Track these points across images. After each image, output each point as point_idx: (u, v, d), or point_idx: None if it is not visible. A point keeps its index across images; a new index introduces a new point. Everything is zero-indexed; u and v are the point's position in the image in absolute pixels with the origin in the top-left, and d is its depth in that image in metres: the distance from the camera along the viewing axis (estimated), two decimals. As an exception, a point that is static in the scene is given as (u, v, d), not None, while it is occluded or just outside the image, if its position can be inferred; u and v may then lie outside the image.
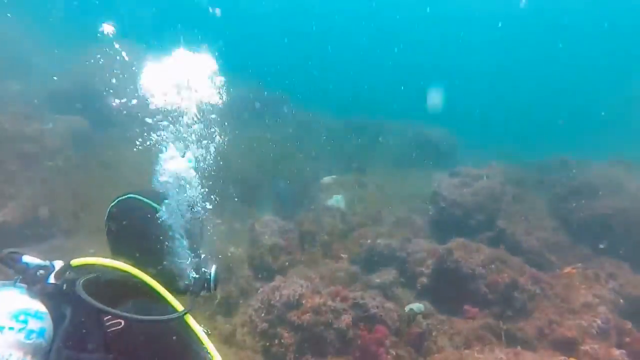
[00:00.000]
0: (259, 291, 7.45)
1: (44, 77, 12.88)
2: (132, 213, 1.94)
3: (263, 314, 7.03)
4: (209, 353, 1.72)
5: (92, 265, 1.77)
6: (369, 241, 9.85)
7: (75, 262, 1.77)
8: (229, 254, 9.18)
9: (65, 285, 1.68)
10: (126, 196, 1.97)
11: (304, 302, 6.67)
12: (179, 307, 1.74)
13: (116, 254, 1.90)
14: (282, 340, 6.40)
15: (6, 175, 8.88)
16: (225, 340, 6.17)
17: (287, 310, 6.68)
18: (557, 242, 8.40)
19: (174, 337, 1.66)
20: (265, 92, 16.02)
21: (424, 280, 8.33)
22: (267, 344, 6.60)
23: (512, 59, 35.58)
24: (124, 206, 1.96)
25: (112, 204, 1.95)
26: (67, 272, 1.75)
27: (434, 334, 6.84)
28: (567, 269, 6.68)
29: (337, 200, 10.66)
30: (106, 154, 11.53)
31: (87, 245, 8.50)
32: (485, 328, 6.67)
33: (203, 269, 2.10)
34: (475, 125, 22.72)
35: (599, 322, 5.45)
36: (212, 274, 2.10)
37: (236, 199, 10.78)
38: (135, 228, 1.93)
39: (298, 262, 9.45)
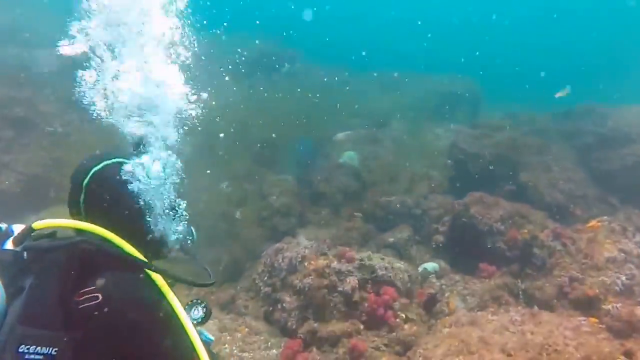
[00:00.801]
0: (262, 254, 7.23)
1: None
2: (117, 177, 1.69)
3: (266, 278, 6.84)
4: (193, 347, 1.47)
5: (59, 227, 1.57)
6: (382, 199, 9.42)
7: (39, 224, 1.54)
8: (237, 216, 8.98)
9: (25, 253, 1.47)
10: (112, 161, 1.72)
11: (306, 264, 6.39)
12: (162, 282, 1.51)
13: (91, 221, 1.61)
14: (284, 305, 6.19)
15: (1, 143, 8.83)
16: (223, 307, 5.99)
17: (290, 274, 6.44)
18: (584, 194, 7.69)
19: (160, 319, 1.45)
20: (277, 49, 15.34)
21: (440, 238, 7.90)
22: (270, 308, 6.43)
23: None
24: (111, 169, 1.70)
25: (98, 166, 1.68)
26: (29, 237, 1.53)
27: (447, 295, 6.46)
28: (592, 222, 6.06)
29: (349, 156, 10.18)
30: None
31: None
32: (502, 287, 6.24)
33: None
34: (500, 75, 21.25)
35: (623, 278, 4.90)
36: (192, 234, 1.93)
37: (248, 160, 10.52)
38: (124, 195, 1.69)
39: (309, 222, 9.18)
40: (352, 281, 6.17)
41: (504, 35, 30.30)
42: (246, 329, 5.89)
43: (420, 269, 7.35)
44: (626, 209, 7.68)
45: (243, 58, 14.78)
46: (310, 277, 6.20)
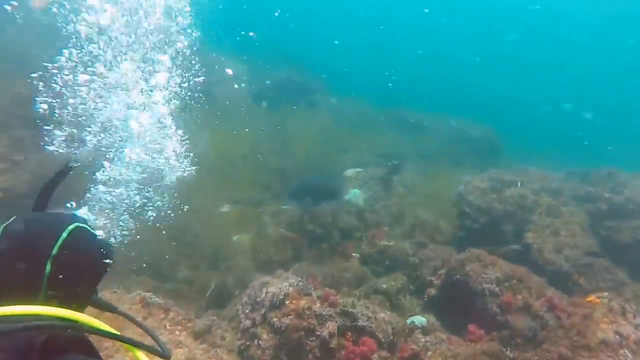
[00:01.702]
0: (249, 285, 7.09)
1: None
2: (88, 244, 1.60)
3: (248, 310, 6.67)
4: None
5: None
6: (383, 242, 9.20)
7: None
8: (233, 241, 8.91)
9: None
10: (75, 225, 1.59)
11: (287, 302, 6.21)
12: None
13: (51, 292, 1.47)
14: (260, 342, 5.99)
15: (15, 141, 9.07)
16: (197, 336, 5.85)
17: (271, 310, 6.26)
18: (591, 263, 7.29)
19: None
20: (299, 78, 15.55)
21: (433, 291, 7.60)
22: (247, 343, 6.24)
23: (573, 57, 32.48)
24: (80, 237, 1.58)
25: (64, 235, 1.52)
26: None
27: (429, 354, 6.13)
28: (591, 297, 5.69)
29: (354, 194, 10.05)
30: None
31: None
32: (487, 354, 5.88)
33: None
34: (523, 127, 20.88)
35: (615, 367, 4.53)
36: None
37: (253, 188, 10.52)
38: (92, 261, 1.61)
39: (305, 257, 9.02)
40: (331, 326, 5.95)
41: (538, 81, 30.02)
42: (216, 363, 5.71)
43: (408, 321, 7.04)
44: (635, 285, 7.23)
45: (267, 82, 15.11)
46: (289, 317, 6.01)
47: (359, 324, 6.09)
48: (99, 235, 1.70)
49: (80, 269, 1.54)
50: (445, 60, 30.47)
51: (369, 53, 30.29)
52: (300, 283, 6.72)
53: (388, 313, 6.67)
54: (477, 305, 6.57)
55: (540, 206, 8.41)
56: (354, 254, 9.16)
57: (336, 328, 5.98)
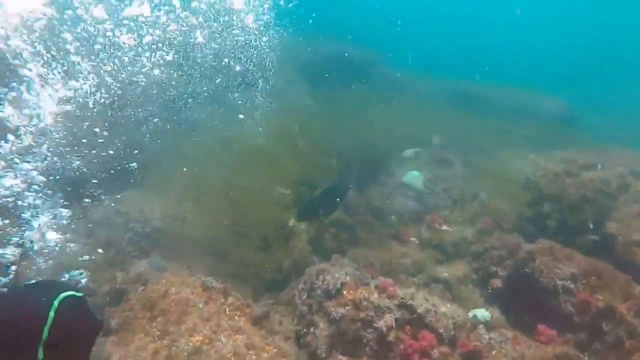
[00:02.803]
0: (305, 272, 6.96)
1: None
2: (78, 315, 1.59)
3: (305, 297, 6.57)
4: None
5: None
6: (443, 227, 8.72)
7: None
8: (290, 224, 8.82)
9: None
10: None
11: (345, 292, 6.01)
12: None
13: None
14: (316, 331, 5.88)
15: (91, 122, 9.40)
16: (255, 322, 5.82)
17: (327, 299, 6.10)
18: (687, 261, 6.39)
19: None
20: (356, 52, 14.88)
21: (498, 283, 7.08)
22: (304, 330, 6.15)
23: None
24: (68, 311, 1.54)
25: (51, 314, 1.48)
26: None
27: (493, 352, 5.73)
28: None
29: (413, 176, 9.55)
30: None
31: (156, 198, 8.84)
32: (560, 358, 5.37)
33: None
34: (605, 100, 18.82)
35: None
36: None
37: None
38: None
39: (361, 241, 8.76)
40: (389, 319, 5.70)
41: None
42: (274, 350, 5.67)
43: (470, 314, 6.62)
44: None
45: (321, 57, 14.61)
46: (346, 308, 5.83)
47: (419, 316, 5.80)
48: (85, 295, 1.62)
49: (74, 341, 1.47)
50: (513, 27, 28.07)
51: (428, 22, 28.60)
52: (358, 272, 6.50)
53: (449, 306, 6.29)
54: (548, 303, 6.01)
55: (627, 191, 7.49)
56: (412, 239, 8.77)
57: (394, 321, 5.73)
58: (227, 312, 5.60)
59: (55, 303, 1.47)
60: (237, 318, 5.56)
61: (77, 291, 1.63)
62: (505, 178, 10.02)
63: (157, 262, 7.35)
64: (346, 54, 15.68)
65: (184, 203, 8.75)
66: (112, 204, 8.79)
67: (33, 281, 1.78)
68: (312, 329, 5.99)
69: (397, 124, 12.75)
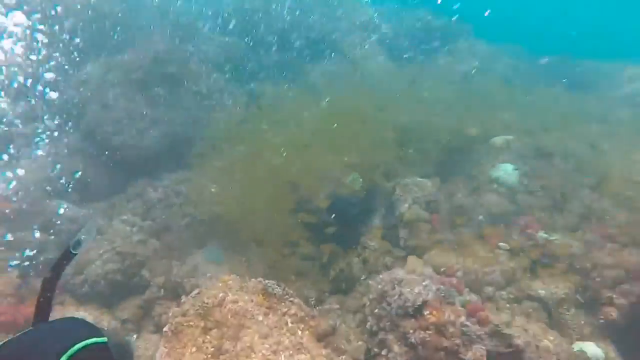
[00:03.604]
0: (378, 279, 6.30)
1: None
2: None
3: (376, 309, 5.93)
4: None
5: None
6: (540, 234, 7.64)
7: None
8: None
9: None
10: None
11: (426, 313, 5.29)
12: None
13: None
14: (389, 355, 5.24)
15: (151, 99, 9.16)
16: (320, 338, 5.28)
17: (404, 317, 5.42)
18: None
19: None
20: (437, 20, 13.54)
21: (613, 313, 6.01)
22: (375, 350, 5.55)
23: None
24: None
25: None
26: None
27: (610, 405, 4.80)
28: None
29: (506, 171, 8.44)
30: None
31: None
32: None
33: None
34: None
35: None
36: None
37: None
38: None
39: (442, 243, 7.91)
40: (478, 352, 4.92)
41: None
42: (340, 374, 5.13)
43: (575, 347, 5.68)
44: None
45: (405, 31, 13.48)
46: (427, 332, 5.12)
47: (516, 351, 4.97)
48: (108, 341, 1.53)
49: None
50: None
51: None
52: (442, 286, 5.72)
53: (552, 338, 5.39)
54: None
55: None
56: (500, 244, 7.78)
57: (485, 353, 4.95)
58: (289, 325, 5.09)
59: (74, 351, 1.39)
60: (299, 332, 5.05)
61: (100, 336, 1.51)
62: (620, 177, 8.61)
63: (215, 253, 7.03)
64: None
65: (245, 186, 8.33)
66: (170, 183, 8.59)
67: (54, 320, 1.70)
68: (384, 352, 5.37)
69: (483, 105, 11.50)
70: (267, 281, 5.68)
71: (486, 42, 14.34)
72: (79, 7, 11.69)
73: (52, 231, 7.30)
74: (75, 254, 1.98)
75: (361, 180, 8.61)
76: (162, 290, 6.48)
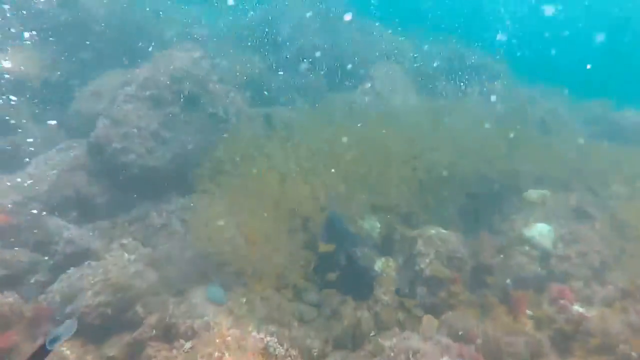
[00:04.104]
0: (390, 344, 5.79)
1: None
2: None
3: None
4: None
5: None
6: (574, 306, 7.05)
7: None
8: (377, 268, 7.67)
9: None
10: None
11: (443, 397, 4.76)
12: None
13: None
14: None
15: (165, 118, 8.90)
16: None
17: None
18: None
19: None
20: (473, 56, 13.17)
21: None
22: None
23: None
24: None
25: None
26: None
27: None
28: None
29: (540, 231, 7.89)
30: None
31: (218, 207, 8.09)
32: None
33: None
34: None
35: None
36: None
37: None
38: None
39: (462, 304, 7.37)
40: None
41: None
42: None
43: None
44: None
45: (436, 64, 13.16)
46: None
47: None
48: None
49: None
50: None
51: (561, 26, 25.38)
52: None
53: None
54: None
55: None
56: (528, 312, 7.22)
57: None
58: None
59: None
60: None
61: None
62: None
63: (216, 293, 6.61)
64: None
65: (257, 217, 7.93)
66: (175, 209, 8.25)
67: None
68: None
69: (516, 151, 10.99)
70: (268, 339, 5.23)
71: (523, 81, 13.90)
72: (100, 13, 11.71)
73: (46, 252, 7.01)
74: (51, 350, 2.02)
75: (379, 227, 8.17)
76: (155, 330, 6.06)
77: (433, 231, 7.90)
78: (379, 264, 7.73)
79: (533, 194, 8.92)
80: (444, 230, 7.97)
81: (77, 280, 6.38)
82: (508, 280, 7.44)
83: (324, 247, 7.41)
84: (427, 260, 7.40)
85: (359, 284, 7.55)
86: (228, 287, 6.88)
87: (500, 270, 7.62)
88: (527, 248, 7.73)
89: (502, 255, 7.94)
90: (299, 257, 7.51)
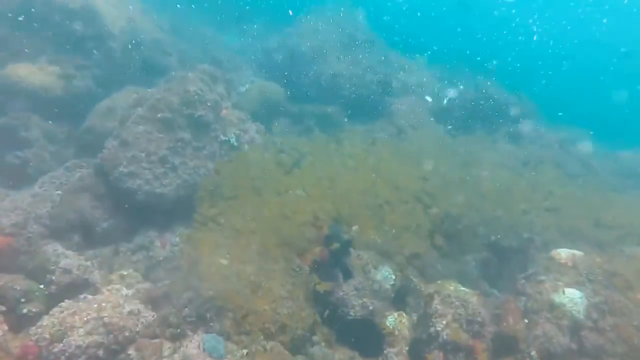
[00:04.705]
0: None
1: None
2: None
3: None
4: None
5: None
6: (606, 388, 6.51)
7: None
8: (387, 324, 7.24)
9: None
10: None
11: None
12: None
13: None
14: None
15: (176, 143, 8.69)
16: None
17: None
18: None
19: None
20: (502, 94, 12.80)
21: None
22: None
23: None
24: None
25: None
26: None
27: None
28: None
29: (572, 298, 7.36)
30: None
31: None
32: None
33: None
34: None
35: None
36: None
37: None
38: None
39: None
40: None
41: None
42: None
43: None
44: None
45: (454, 99, 12.81)
46: None
47: None
48: None
49: None
50: None
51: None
52: None
53: None
54: None
55: None
56: (554, 389, 6.69)
57: None
58: None
59: None
60: None
61: None
62: None
63: (214, 345, 6.25)
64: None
65: (260, 259, 7.60)
66: (179, 242, 7.96)
67: None
68: None
69: (544, 201, 10.53)
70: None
71: (552, 125, 13.47)
72: (120, 25, 11.70)
73: (42, 279, 6.76)
74: None
75: (394, 278, 7.76)
76: (143, 380, 5.71)
77: (451, 287, 7.46)
78: (391, 320, 7.29)
79: (563, 253, 8.41)
80: (463, 288, 7.53)
81: (69, 315, 6.09)
82: (533, 352, 6.93)
83: (322, 287, 7.20)
84: (444, 322, 6.95)
85: (368, 339, 7.14)
86: (228, 335, 6.52)
87: (525, 340, 7.11)
88: (556, 316, 7.21)
89: (526, 320, 7.45)
90: (305, 303, 7.16)
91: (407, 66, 13.68)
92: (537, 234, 9.25)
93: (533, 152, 12.10)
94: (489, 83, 13.14)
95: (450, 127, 12.37)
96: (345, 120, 12.28)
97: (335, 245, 7.56)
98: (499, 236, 9.24)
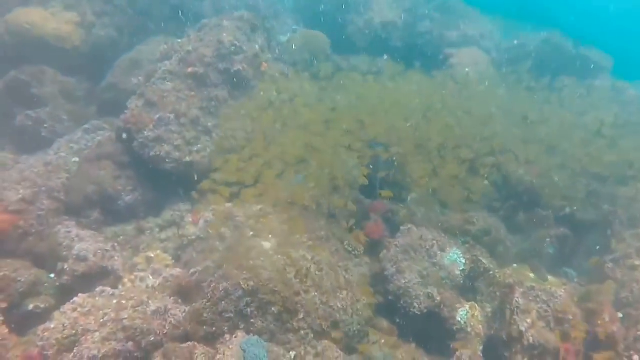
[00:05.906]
0: None
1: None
2: None
3: None
4: None
5: None
6: None
7: None
8: (458, 319, 5.67)
9: None
10: None
11: None
12: None
13: None
14: None
15: (209, 102, 6.96)
16: None
17: None
18: None
19: None
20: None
21: None
22: None
23: None
24: None
25: None
26: None
27: None
28: None
29: None
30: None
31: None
32: None
33: None
34: None
35: None
36: None
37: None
38: None
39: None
40: None
41: None
42: None
43: None
44: None
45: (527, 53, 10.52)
46: None
47: None
48: None
49: None
50: None
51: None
52: None
53: None
54: None
55: None
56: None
57: None
58: None
59: None
60: None
61: None
62: None
63: (255, 349, 4.81)
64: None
65: (314, 239, 6.06)
66: (214, 218, 6.40)
67: None
68: None
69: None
70: None
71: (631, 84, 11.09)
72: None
73: (52, 267, 5.36)
74: None
75: (464, 263, 6.11)
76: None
77: (533, 280, 5.79)
78: (462, 314, 5.73)
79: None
80: (550, 277, 5.86)
81: (82, 315, 4.72)
82: (636, 357, 5.32)
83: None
84: (529, 321, 5.34)
85: (435, 336, 5.65)
86: (272, 335, 5.09)
87: (622, 341, 5.50)
88: (663, 315, 5.54)
89: (620, 315, 5.81)
90: (360, 292, 5.66)
91: (468, 15, 11.38)
92: (621, 206, 7.36)
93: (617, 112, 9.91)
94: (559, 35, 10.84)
95: (517, 79, 10.21)
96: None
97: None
98: (574, 208, 7.40)
